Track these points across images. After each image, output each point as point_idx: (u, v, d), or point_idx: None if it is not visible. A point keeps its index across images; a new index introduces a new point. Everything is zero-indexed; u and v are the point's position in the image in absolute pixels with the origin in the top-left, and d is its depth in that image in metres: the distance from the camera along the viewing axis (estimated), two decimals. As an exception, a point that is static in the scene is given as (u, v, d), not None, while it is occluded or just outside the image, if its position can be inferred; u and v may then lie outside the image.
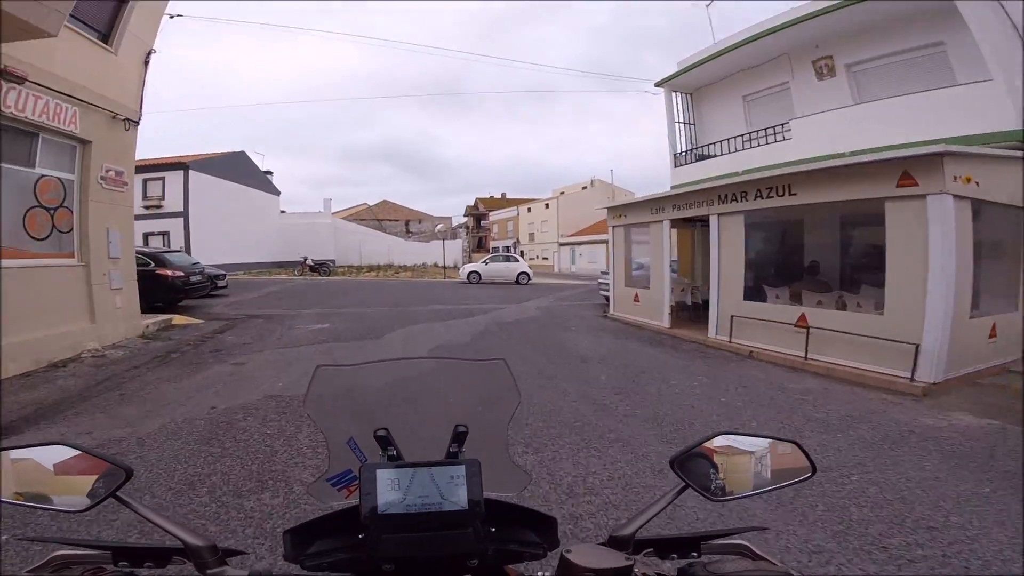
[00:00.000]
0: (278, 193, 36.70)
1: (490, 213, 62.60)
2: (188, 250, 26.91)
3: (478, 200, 68.27)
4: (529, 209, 52.40)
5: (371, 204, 52.64)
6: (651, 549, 0.76)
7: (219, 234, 28.38)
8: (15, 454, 0.71)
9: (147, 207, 27.07)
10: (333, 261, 27.39)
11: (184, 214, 27.27)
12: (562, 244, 45.40)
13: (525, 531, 0.78)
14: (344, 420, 0.89)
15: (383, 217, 49.99)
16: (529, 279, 23.35)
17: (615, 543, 0.71)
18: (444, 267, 27.51)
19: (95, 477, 0.71)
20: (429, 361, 0.96)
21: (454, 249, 40.93)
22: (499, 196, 67.16)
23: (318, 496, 0.87)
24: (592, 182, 47.73)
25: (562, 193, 49.60)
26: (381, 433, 0.79)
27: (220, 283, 15.64)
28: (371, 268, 33.26)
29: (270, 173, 36.56)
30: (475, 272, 23.07)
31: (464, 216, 64.53)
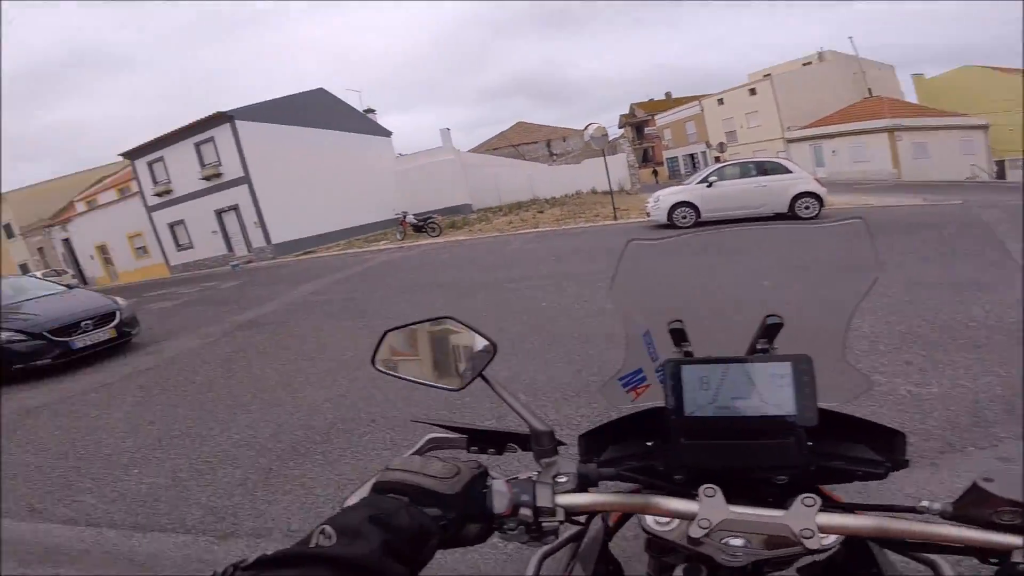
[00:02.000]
0: (387, 134, 28.43)
1: (655, 117, 48.27)
2: (262, 223, 20.39)
3: (634, 106, 54.25)
4: (721, 101, 38.25)
5: (504, 130, 42.36)
6: None
7: (303, 197, 20.83)
8: (406, 329, 0.75)
9: (206, 176, 20.51)
10: (435, 217, 18.06)
11: (246, 179, 19.96)
12: (793, 140, 31.05)
13: (856, 446, 0.63)
14: (642, 309, 0.80)
15: (520, 142, 39.48)
16: (821, 206, 10.81)
17: None
18: (611, 194, 15.83)
19: (467, 352, 0.72)
20: (754, 231, 0.92)
21: (617, 167, 28.99)
22: (660, 98, 53.47)
23: (609, 398, 0.80)
24: (820, 55, 35.65)
25: (765, 76, 34.96)
26: (676, 325, 0.72)
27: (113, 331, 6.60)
28: (511, 208, 23.49)
29: (371, 111, 28.31)
30: (684, 205, 11.11)
31: (619, 127, 51.24)
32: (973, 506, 0.49)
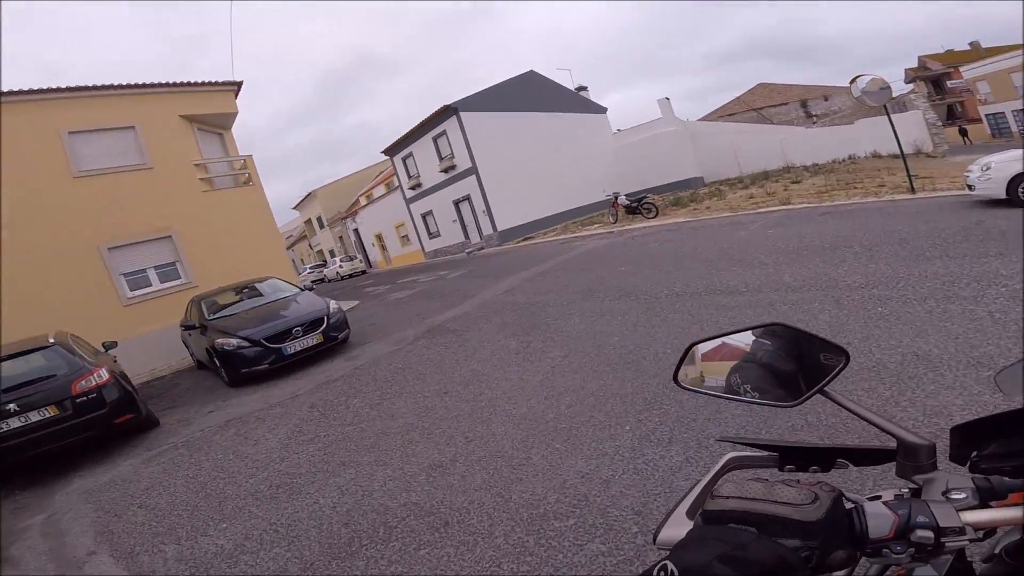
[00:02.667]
0: (602, 110, 27.08)
1: (959, 69, 36.31)
2: (489, 211, 21.32)
3: (924, 60, 42.68)
4: None
5: (741, 94, 36.29)
6: None
7: (522, 183, 21.26)
8: (722, 341, 0.68)
9: (444, 169, 22.43)
10: (649, 196, 15.88)
11: (473, 169, 21.12)
12: None
13: None
14: None
15: (762, 105, 33.30)
16: None
17: None
18: (903, 157, 10.99)
19: (805, 362, 0.64)
20: None
21: (910, 125, 21.76)
22: (963, 48, 42.14)
23: (1005, 388, 0.66)
24: None
25: None
26: None
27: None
28: (754, 179, 19.59)
29: (583, 88, 27.23)
30: None
31: (907, 83, 39.65)
32: None
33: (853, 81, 10.21)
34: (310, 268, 34.37)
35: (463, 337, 6.52)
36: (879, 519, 0.50)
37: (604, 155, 25.26)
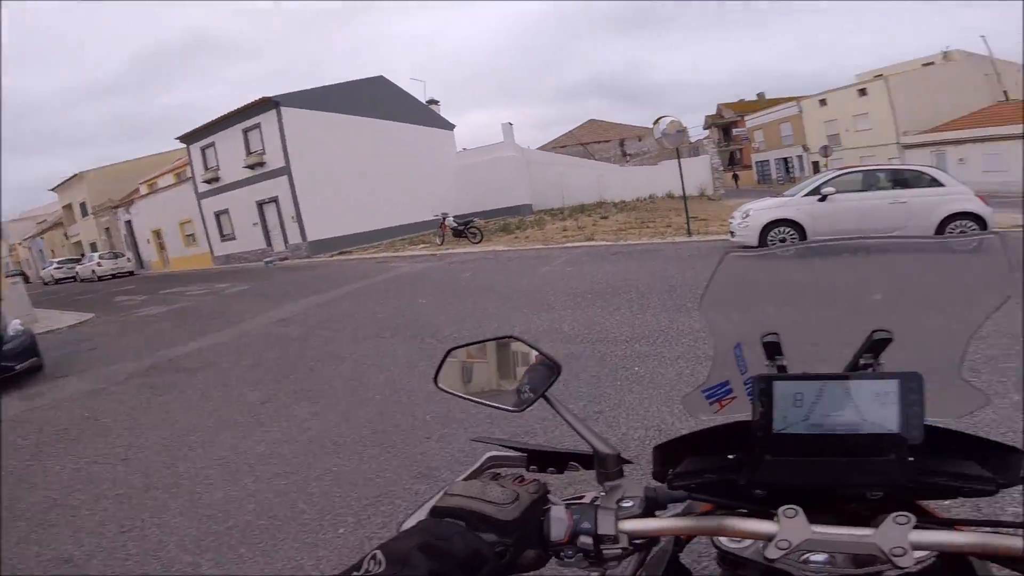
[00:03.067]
0: (450, 127, 26.79)
1: (744, 118, 44.03)
2: (299, 218, 19.18)
3: (721, 107, 50.17)
4: (823, 102, 34.24)
5: (573, 128, 39.56)
6: None
7: (349, 192, 19.59)
8: (470, 347, 0.76)
9: (250, 165, 19.68)
10: (474, 220, 15.93)
11: (286, 170, 18.88)
12: (911, 146, 26.63)
13: (963, 463, 0.59)
14: (735, 321, 0.78)
15: (590, 140, 36.62)
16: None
17: None
18: (685, 202, 12.58)
19: (531, 372, 0.71)
20: (866, 243, 0.77)
21: (697, 169, 25.60)
22: (751, 99, 49.02)
23: (691, 409, 0.78)
24: (946, 55, 31.78)
25: (877, 77, 30.81)
26: (771, 338, 0.70)
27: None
28: (573, 211, 20.92)
29: (435, 102, 26.77)
30: (784, 223, 8.03)
31: (704, 129, 47.16)
32: None
33: (656, 122, 11.23)
34: (57, 263, 28.27)
35: (193, 379, 5.19)
36: (558, 523, 0.53)
37: (446, 173, 24.87)
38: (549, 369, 0.69)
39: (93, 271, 24.19)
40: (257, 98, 18.72)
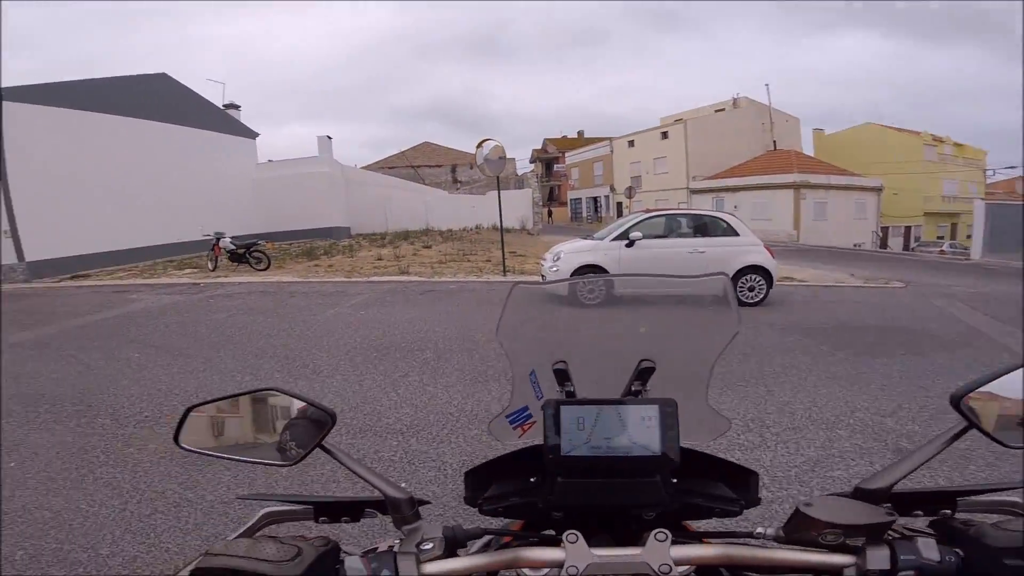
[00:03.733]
0: (252, 135, 23.05)
1: (565, 155, 47.20)
2: (14, 232, 14.25)
3: (547, 141, 53.32)
4: (631, 143, 36.71)
5: (405, 149, 38.15)
6: (890, 504, 0.60)
7: (101, 203, 15.15)
8: (218, 403, 0.70)
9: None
10: (260, 242, 13.47)
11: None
12: (697, 191, 30.18)
13: (715, 484, 0.69)
14: (528, 350, 0.82)
15: (422, 163, 35.57)
16: (769, 288, 7.86)
17: (863, 496, 0.58)
18: (502, 240, 11.59)
19: (300, 424, 0.66)
20: (632, 280, 0.92)
21: (520, 202, 26.21)
22: (573, 136, 51.80)
23: (496, 434, 0.81)
24: (735, 102, 34.02)
25: (677, 121, 34.03)
26: (560, 366, 0.74)
27: None
28: (395, 237, 19.36)
29: (234, 107, 22.92)
30: (593, 269, 7.52)
31: (531, 162, 49.53)
32: (799, 529, 0.54)
33: (479, 146, 10.27)
34: None
35: None
36: (355, 572, 0.51)
37: (242, 186, 21.10)
38: (320, 419, 0.65)
39: None
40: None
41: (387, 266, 12.07)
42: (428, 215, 24.74)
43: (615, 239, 7.92)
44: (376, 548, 0.57)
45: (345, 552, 0.54)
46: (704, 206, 26.34)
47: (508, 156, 10.69)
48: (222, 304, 8.29)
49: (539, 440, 0.64)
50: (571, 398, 0.71)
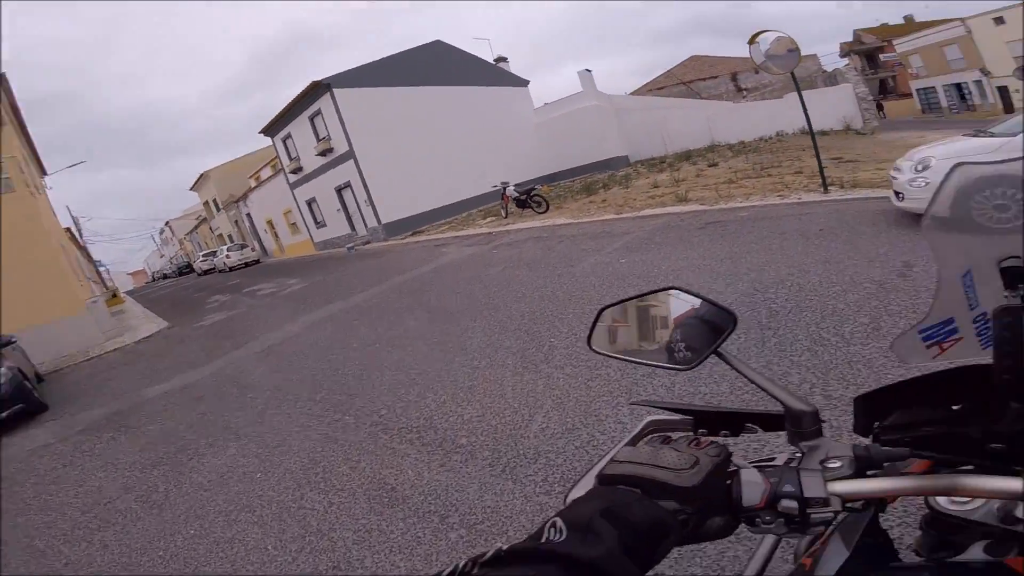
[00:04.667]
0: (524, 83, 24.14)
1: (893, 42, 35.57)
2: (371, 201, 18.25)
3: (859, 32, 41.60)
4: (1000, 20, 28.15)
5: (672, 68, 33.98)
6: None
7: (416, 168, 18.34)
8: (625, 304, 0.71)
9: (320, 152, 19.21)
10: (537, 186, 13.59)
11: (351, 153, 18.02)
12: None
13: None
14: (964, 244, 0.63)
15: (693, 78, 31.18)
16: None
17: None
18: (815, 144, 8.14)
19: (698, 325, 0.65)
20: None
21: (839, 100, 20.21)
22: (897, 23, 41.04)
23: (902, 354, 0.66)
24: None
25: None
26: (1013, 263, 0.56)
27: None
28: (676, 159, 17.33)
29: (503, 60, 24.12)
30: (991, 183, 2.94)
31: (841, 57, 38.87)
32: None
33: (753, 41, 7.65)
34: (203, 256, 31.05)
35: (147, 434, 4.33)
36: (752, 487, 0.49)
37: (525, 133, 22.53)
38: (721, 320, 0.63)
39: (224, 262, 25.72)
40: (308, 84, 17.91)
41: (663, 195, 10.64)
42: (712, 130, 21.51)
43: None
44: (771, 460, 0.54)
45: (735, 464, 0.51)
46: None
47: (778, 32, 7.49)
48: (501, 255, 8.59)
49: (968, 360, 0.55)
50: None
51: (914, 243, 4.29)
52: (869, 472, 0.52)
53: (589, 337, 0.71)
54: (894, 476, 0.51)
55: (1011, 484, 0.45)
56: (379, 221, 18.11)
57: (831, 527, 0.53)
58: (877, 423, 0.59)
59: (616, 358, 0.71)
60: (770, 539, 0.63)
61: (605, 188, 14.14)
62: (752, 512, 0.48)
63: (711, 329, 0.63)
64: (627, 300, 0.70)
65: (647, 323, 0.70)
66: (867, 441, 0.58)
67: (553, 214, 12.17)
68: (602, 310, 0.70)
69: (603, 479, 0.49)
